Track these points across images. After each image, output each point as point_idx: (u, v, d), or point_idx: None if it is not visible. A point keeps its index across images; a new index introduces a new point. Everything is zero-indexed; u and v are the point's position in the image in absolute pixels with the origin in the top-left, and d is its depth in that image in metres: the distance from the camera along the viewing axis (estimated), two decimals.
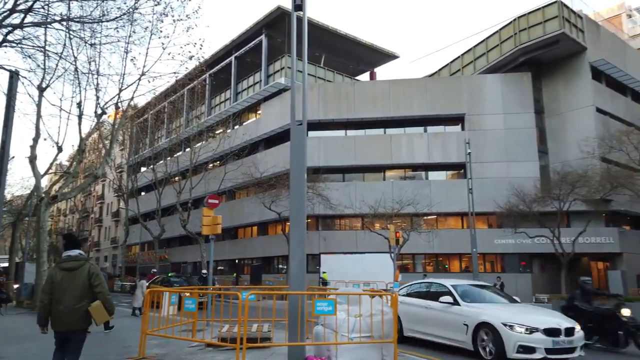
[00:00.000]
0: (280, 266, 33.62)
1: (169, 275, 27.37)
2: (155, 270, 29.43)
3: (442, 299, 9.44)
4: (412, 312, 10.24)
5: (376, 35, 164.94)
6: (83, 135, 18.29)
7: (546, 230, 24.75)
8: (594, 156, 26.17)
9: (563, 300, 18.42)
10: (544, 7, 28.82)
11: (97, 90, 16.87)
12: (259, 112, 36.99)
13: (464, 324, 8.82)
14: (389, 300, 7.71)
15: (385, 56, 41.19)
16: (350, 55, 39.72)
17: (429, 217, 30.27)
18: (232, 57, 38.42)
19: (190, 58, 17.23)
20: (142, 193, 46.27)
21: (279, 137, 32.88)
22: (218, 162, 36.52)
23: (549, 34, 28.34)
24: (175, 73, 17.70)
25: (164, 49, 16.53)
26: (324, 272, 28.08)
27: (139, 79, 16.76)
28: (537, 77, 31.69)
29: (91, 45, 15.00)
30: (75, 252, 5.20)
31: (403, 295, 10.99)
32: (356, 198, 29.60)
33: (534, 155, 30.11)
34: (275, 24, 34.22)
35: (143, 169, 43.02)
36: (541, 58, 30.56)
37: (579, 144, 26.89)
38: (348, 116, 32.10)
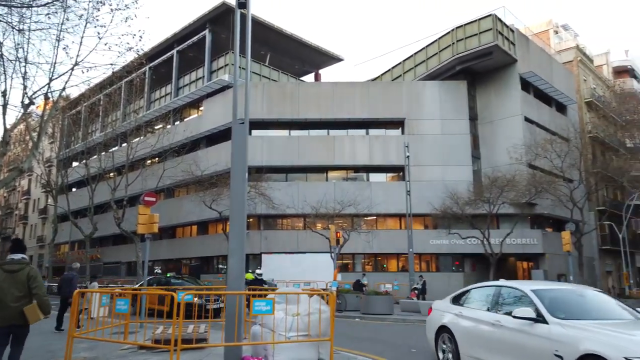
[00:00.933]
0: (220, 266, 33.05)
1: (168, 275, 24.36)
2: (159, 269, 27.32)
3: (517, 312, 6.11)
4: (473, 331, 7.08)
5: (322, 37, 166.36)
6: (8, 127, 17.08)
7: (477, 231, 26.07)
8: (521, 162, 27.90)
9: None
10: (479, 19, 30.36)
11: (24, 78, 15.78)
12: (201, 108, 36.18)
13: (557, 355, 5.48)
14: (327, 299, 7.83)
15: (330, 58, 41.65)
16: (295, 56, 39.80)
17: (369, 217, 30.96)
18: (174, 51, 37.30)
19: (129, 49, 16.54)
20: (73, 189, 43.84)
21: (222, 135, 32.33)
22: (157, 159, 35.30)
23: (483, 45, 29.87)
24: (112, 65, 16.91)
25: (100, 39, 15.74)
26: (248, 272, 27.86)
27: (72, 69, 15.83)
28: (472, 86, 33.32)
29: (19, 31, 14.02)
30: (19, 256, 5.72)
31: (458, 304, 7.92)
32: (299, 198, 29.71)
33: (468, 160, 31.63)
34: (219, 20, 33.63)
35: (75, 163, 40.76)
36: (476, 68, 32.15)
37: (508, 150, 28.56)
38: (292, 116, 32.15)
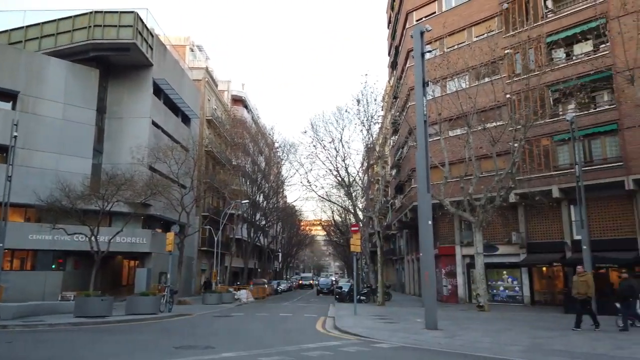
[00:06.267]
0: None
1: None
2: None
3: None
4: None
5: None
6: None
7: (86, 228, 24.94)
8: (143, 164, 28.72)
9: (89, 296, 18.77)
10: (121, 12, 29.70)
11: None
12: None
13: None
14: None
15: None
16: None
17: None
18: None
19: None
20: None
21: None
22: None
23: (121, 40, 29.39)
24: None
25: None
26: None
27: None
28: (105, 77, 32.07)
29: None
30: None
31: None
32: None
33: (89, 152, 30.03)
34: None
35: None
36: (112, 60, 31.22)
37: (132, 149, 28.82)
38: None
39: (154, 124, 32.84)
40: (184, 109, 38.18)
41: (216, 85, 51.18)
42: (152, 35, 32.55)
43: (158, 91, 33.93)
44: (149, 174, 29.46)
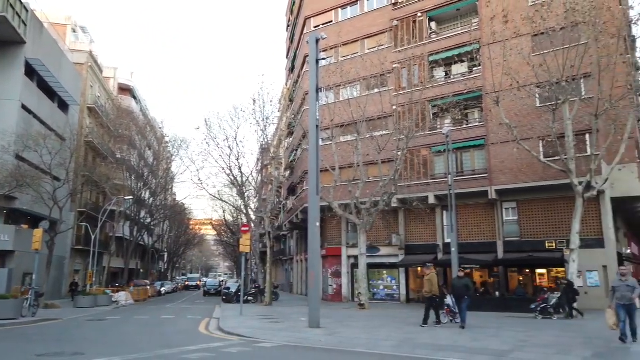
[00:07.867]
0: None
1: None
2: None
3: None
4: None
5: None
6: None
7: None
8: (8, 151, 25.63)
9: None
10: None
11: None
12: None
13: None
14: None
15: None
16: None
17: None
18: None
19: None
20: None
21: None
22: None
23: None
24: None
25: None
26: None
27: None
28: None
29: None
30: None
31: None
32: None
33: None
34: None
35: None
36: None
37: None
38: None
39: (24, 108, 29.40)
40: (61, 93, 34.74)
41: (101, 72, 47.36)
42: (27, 10, 29.14)
43: (31, 72, 30.46)
44: (15, 163, 26.36)
